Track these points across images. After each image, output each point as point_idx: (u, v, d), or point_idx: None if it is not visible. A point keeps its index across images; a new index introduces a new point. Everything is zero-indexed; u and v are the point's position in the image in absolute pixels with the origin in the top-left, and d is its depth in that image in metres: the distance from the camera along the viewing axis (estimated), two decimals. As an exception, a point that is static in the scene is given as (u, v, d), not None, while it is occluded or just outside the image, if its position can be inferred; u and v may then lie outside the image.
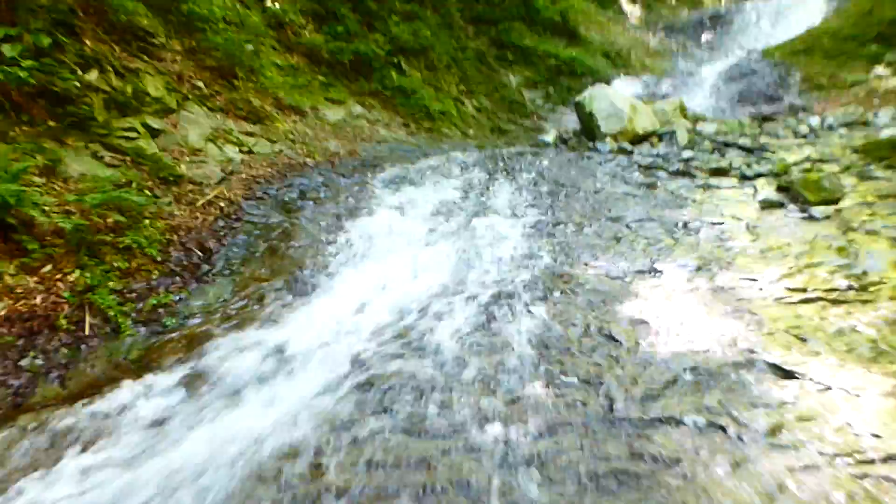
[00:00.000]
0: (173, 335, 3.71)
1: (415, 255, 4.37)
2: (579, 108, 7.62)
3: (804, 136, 6.86)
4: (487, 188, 5.64)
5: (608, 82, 16.22)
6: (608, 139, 6.95)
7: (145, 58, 6.58)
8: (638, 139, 7.29)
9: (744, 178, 5.36)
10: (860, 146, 6.05)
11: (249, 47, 7.99)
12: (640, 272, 3.65)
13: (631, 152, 6.59)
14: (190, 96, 6.67)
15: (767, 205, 4.59)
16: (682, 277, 3.52)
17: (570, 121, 14.90)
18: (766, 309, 3.04)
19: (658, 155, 6.39)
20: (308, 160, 6.75)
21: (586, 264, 3.84)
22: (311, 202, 5.54)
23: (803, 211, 4.40)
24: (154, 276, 4.22)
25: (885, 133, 6.49)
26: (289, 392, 2.79)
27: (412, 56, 11.74)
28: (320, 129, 7.88)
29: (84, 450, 2.55)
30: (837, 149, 6.14)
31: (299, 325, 3.53)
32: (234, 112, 6.89)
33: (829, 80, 12.90)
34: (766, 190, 4.95)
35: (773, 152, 6.12)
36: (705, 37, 21.44)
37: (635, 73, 17.73)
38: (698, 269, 3.62)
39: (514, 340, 2.88)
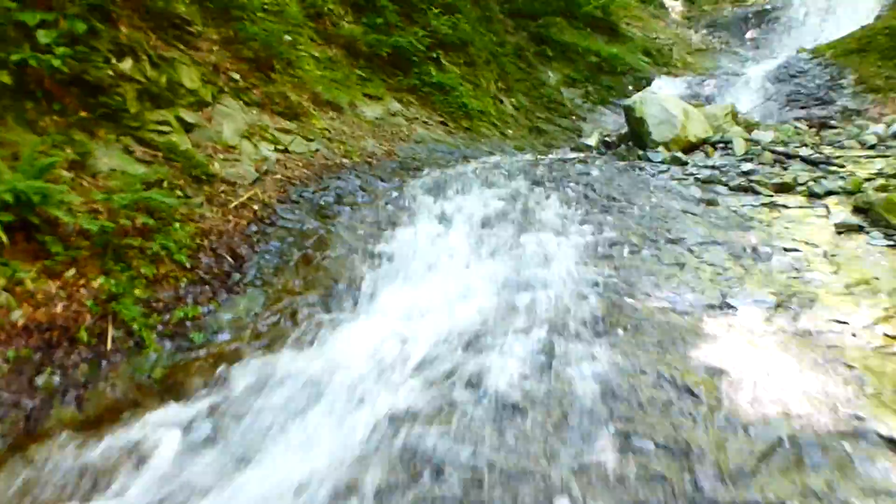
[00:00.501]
0: (200, 352, 3.47)
1: (460, 275, 4.08)
2: (629, 113, 7.24)
3: (871, 147, 6.41)
4: (534, 199, 5.32)
5: (649, 81, 15.77)
6: (660, 147, 6.58)
7: (181, 47, 6.36)
8: (690, 147, 6.90)
9: (812, 195, 4.97)
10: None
11: (287, 38, 7.74)
12: (711, 307, 3.30)
13: (685, 163, 6.20)
14: (226, 89, 6.43)
15: (845, 228, 4.20)
16: (760, 316, 3.17)
17: (611, 121, 14.49)
18: (864, 361, 2.69)
19: (714, 166, 6.00)
20: (345, 160, 6.47)
21: (649, 295, 3.50)
22: (348, 208, 5.27)
23: (888, 237, 4.01)
24: (182, 285, 3.97)
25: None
26: (317, 443, 2.51)
27: (451, 51, 11.41)
28: (358, 126, 7.61)
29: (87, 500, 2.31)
30: (910, 164, 5.72)
31: (334, 353, 3.25)
32: (271, 107, 6.64)
33: (887, 82, 12.29)
34: (841, 211, 4.55)
35: (841, 166, 5.70)
36: (750, 34, 20.80)
37: (677, 71, 17.21)
38: (777, 306, 3.26)
39: (577, 389, 2.57)
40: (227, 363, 3.27)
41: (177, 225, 4.26)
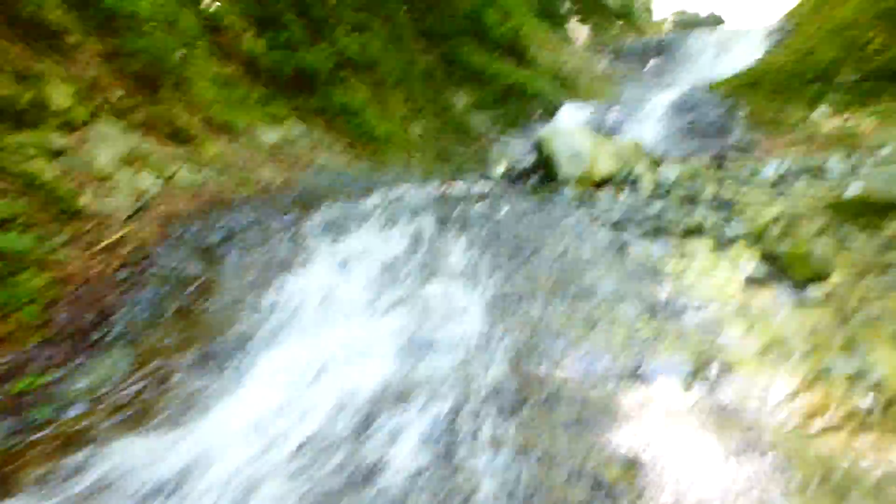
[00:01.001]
0: (43, 433, 2.92)
1: (358, 331, 3.69)
2: (538, 147, 7.08)
3: (771, 187, 6.50)
4: (440, 241, 5.00)
5: (558, 107, 15.91)
6: (570, 184, 6.44)
7: (54, 60, 5.72)
8: (600, 183, 6.80)
9: (721, 241, 4.90)
10: (829, 203, 5.69)
11: (179, 53, 7.14)
12: (626, 377, 3.06)
13: (595, 201, 6.07)
14: (104, 109, 5.81)
15: (754, 281, 4.11)
16: (676, 387, 2.95)
17: (519, 147, 14.47)
18: (787, 444, 2.49)
19: (624, 205, 5.89)
20: (237, 193, 5.97)
21: (560, 361, 3.23)
22: (236, 249, 4.78)
23: (795, 290, 3.93)
24: (29, 346, 3.40)
25: (848, 187, 6.17)
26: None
27: (360, 71, 11.04)
28: (255, 153, 7.10)
29: None
30: (807, 205, 5.77)
31: (207, 432, 2.79)
32: (157, 130, 6.05)
33: (774, 118, 12.89)
34: (749, 260, 4.47)
35: (744, 208, 5.69)
36: (651, 64, 21.49)
37: (584, 97, 17.49)
38: (693, 373, 3.06)
39: (479, 487, 2.24)
40: (74, 447, 2.75)
41: (27, 273, 3.67)
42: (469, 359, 3.23)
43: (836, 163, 7.81)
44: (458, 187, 8.22)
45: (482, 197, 6.42)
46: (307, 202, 6.31)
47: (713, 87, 15.00)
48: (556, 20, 23.13)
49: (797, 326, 3.56)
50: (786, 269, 4.17)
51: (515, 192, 6.93)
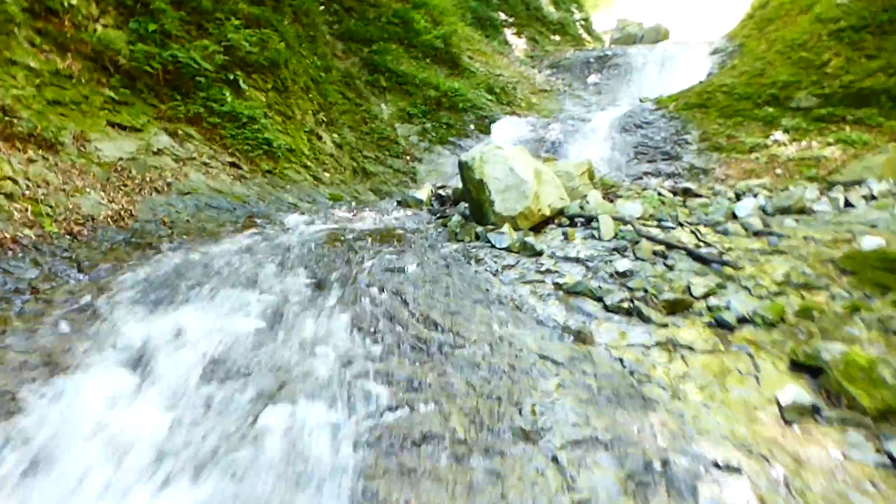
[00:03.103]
0: None
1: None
2: (466, 173, 5.44)
3: (756, 234, 5.05)
4: (310, 320, 3.30)
5: (493, 120, 14.40)
6: (505, 226, 4.81)
7: None
8: (544, 222, 5.24)
9: (721, 325, 3.37)
10: (844, 259, 4.28)
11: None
12: None
13: (539, 252, 4.46)
14: None
15: (797, 414, 2.56)
16: None
17: (449, 164, 12.86)
18: None
19: (579, 259, 4.32)
20: (28, 231, 4.11)
21: None
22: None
23: (870, 436, 2.40)
24: None
25: (861, 239, 4.81)
26: None
27: (256, 73, 9.22)
28: (81, 172, 5.21)
29: None
30: (815, 260, 4.34)
31: None
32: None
33: (729, 142, 11.74)
34: (778, 372, 2.93)
35: (737, 266, 4.20)
36: (592, 78, 20.34)
37: (521, 111, 16.05)
38: None
39: None
40: None
41: None
42: None
43: (818, 199, 6.52)
44: (366, 218, 6.54)
45: (391, 237, 4.75)
46: (142, 244, 4.52)
47: (660, 105, 13.80)
48: (490, 29, 21.78)
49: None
50: (839, 388, 2.64)
51: (436, 231, 5.28)
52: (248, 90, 8.80)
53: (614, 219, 5.05)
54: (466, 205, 5.85)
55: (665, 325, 3.33)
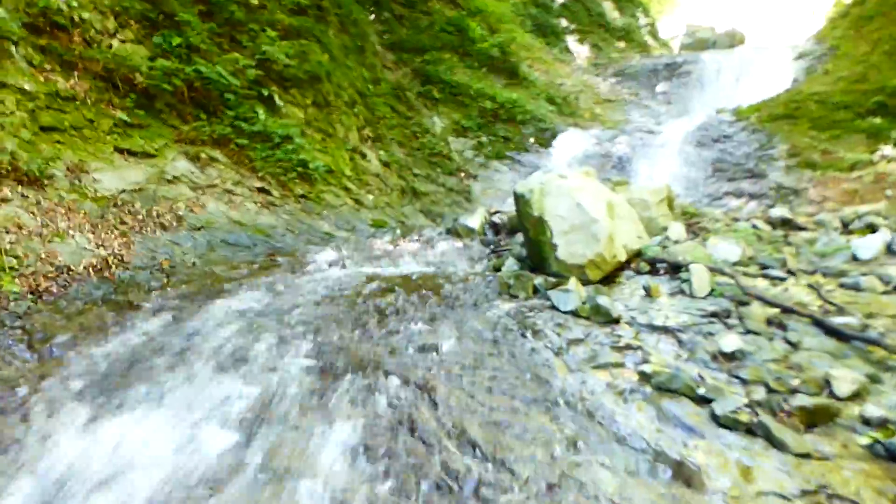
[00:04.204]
0: None
1: None
2: (522, 208, 4.45)
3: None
4: (302, 427, 2.40)
5: (555, 134, 13.35)
6: (571, 281, 3.77)
7: None
8: (618, 269, 4.21)
9: (892, 455, 2.30)
10: None
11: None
12: None
13: (616, 320, 3.44)
14: None
15: None
16: None
17: (507, 181, 11.88)
18: None
19: (667, 329, 3.28)
20: (-19, 289, 3.35)
21: None
22: None
23: None
24: None
25: None
26: None
27: (295, 87, 8.47)
28: (69, 210, 4.47)
29: None
30: None
31: None
32: None
33: (824, 157, 10.30)
34: None
35: (892, 348, 3.07)
36: (660, 87, 19.00)
37: (585, 123, 14.93)
38: None
39: None
40: None
41: None
42: None
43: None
44: (407, 254, 5.66)
45: (429, 287, 3.82)
46: (116, 306, 3.73)
47: (740, 116, 12.46)
48: (551, 37, 20.67)
49: None
50: None
51: (485, 281, 4.31)
52: (283, 106, 8.05)
53: (710, 269, 3.97)
54: (523, 240, 4.86)
55: (807, 456, 2.27)
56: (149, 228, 4.86)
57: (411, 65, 13.14)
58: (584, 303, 3.56)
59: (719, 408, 2.51)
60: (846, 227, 5.82)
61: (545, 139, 13.19)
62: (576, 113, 15.44)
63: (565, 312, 3.53)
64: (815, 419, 2.50)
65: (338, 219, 7.35)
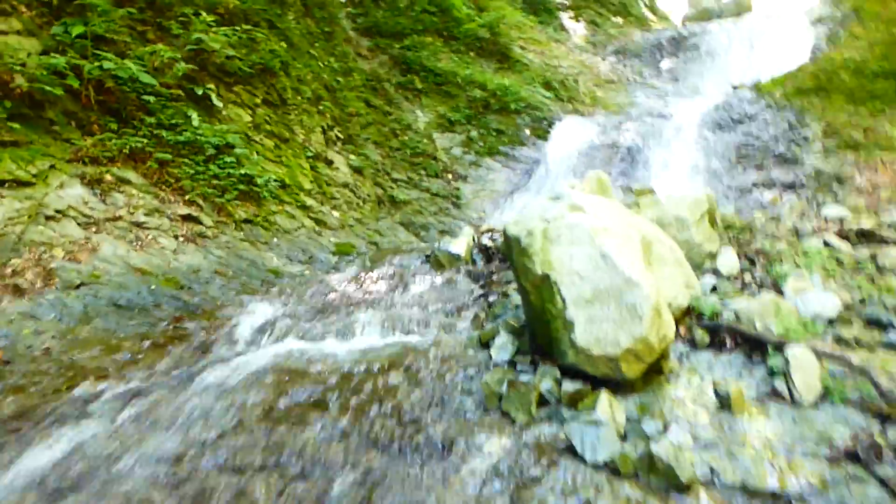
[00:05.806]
0: None
1: None
2: (517, 257, 2.93)
3: None
4: None
5: (553, 123, 11.87)
6: (601, 398, 2.27)
7: None
8: (664, 349, 2.74)
9: None
10: None
11: None
12: None
13: (687, 486, 1.99)
14: None
15: None
16: None
17: (501, 181, 10.43)
18: None
19: (778, 498, 1.89)
20: None
21: None
22: None
23: None
24: None
25: None
26: None
27: (241, 84, 7.00)
28: None
29: None
30: None
31: None
32: None
33: (867, 136, 8.80)
34: None
35: None
36: (665, 64, 17.46)
37: (585, 108, 13.43)
38: None
39: None
40: None
41: None
42: None
43: None
44: (372, 297, 4.26)
45: (381, 398, 2.42)
46: None
47: (761, 92, 10.96)
48: (544, 14, 19.06)
49: None
50: None
51: (465, 371, 2.88)
52: (224, 108, 6.58)
53: (815, 351, 2.54)
54: (524, 330, 3.37)
55: None
56: (-6, 296, 3.44)
57: (389, 52, 11.62)
58: (623, 439, 2.13)
59: None
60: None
61: (542, 129, 11.73)
62: (575, 98, 13.90)
63: (595, 467, 2.08)
64: None
65: (291, 247, 5.92)
